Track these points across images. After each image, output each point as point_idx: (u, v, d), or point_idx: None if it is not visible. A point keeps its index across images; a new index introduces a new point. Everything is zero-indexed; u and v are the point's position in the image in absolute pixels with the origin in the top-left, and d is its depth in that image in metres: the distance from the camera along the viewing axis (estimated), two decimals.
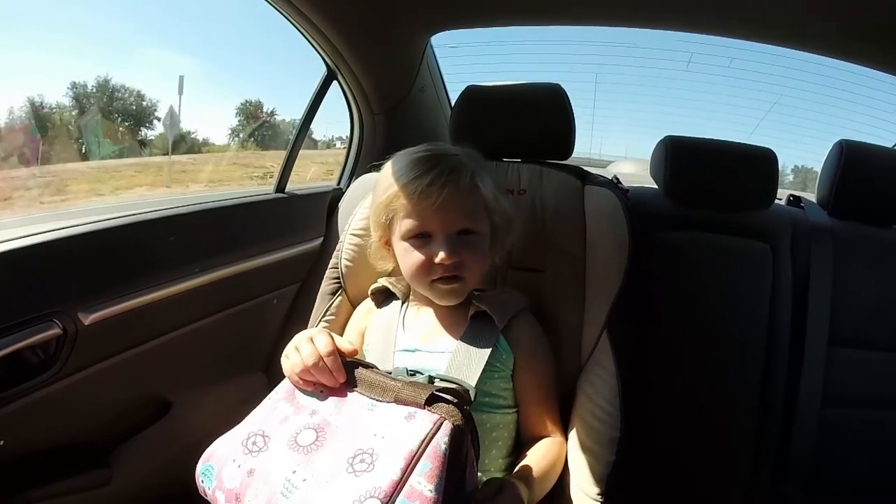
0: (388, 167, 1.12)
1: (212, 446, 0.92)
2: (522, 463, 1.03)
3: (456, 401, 0.84)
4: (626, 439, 1.07)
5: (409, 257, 1.07)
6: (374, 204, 1.14)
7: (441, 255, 1.03)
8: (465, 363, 1.03)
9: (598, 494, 1.06)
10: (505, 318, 1.09)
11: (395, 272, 1.28)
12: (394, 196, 1.07)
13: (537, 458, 1.05)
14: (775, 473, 1.51)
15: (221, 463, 0.88)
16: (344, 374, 0.91)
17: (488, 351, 1.05)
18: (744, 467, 1.53)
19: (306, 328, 1.24)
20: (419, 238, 1.06)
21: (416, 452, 0.76)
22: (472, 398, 0.92)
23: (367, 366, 0.95)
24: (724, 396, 1.54)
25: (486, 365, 1.03)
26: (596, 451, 1.08)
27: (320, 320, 1.27)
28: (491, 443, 1.06)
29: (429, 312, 1.17)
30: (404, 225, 1.07)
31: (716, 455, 1.54)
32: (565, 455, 1.10)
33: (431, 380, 0.91)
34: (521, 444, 1.10)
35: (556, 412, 1.12)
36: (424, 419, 0.80)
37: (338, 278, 1.30)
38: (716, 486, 1.55)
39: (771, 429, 1.51)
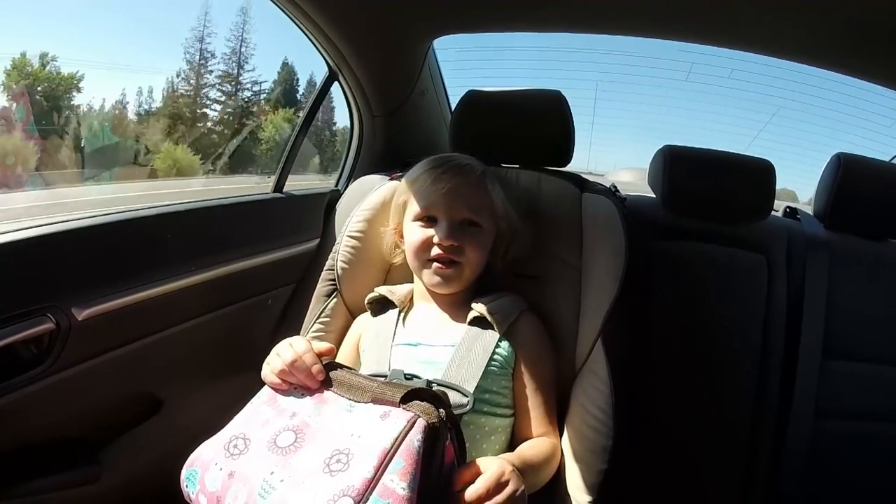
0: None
1: (196, 451, 0.92)
2: (518, 450, 1.05)
3: (432, 399, 0.84)
4: (620, 448, 1.07)
5: (413, 235, 1.18)
6: (398, 188, 1.28)
7: (440, 235, 1.12)
8: (465, 364, 1.06)
9: (590, 503, 1.05)
10: (505, 324, 1.12)
11: (394, 275, 1.30)
12: (413, 181, 1.21)
13: (530, 447, 1.07)
14: (768, 484, 1.51)
15: (204, 467, 0.88)
16: (322, 371, 0.93)
17: (489, 353, 1.08)
18: (737, 478, 1.53)
19: (300, 329, 1.25)
20: (426, 220, 1.17)
21: (390, 451, 0.76)
22: (471, 405, 0.97)
23: (348, 369, 0.96)
24: (718, 407, 1.54)
25: (488, 363, 1.06)
26: (588, 459, 1.08)
27: (315, 322, 1.27)
28: (488, 445, 1.06)
29: (429, 313, 1.20)
30: (415, 206, 1.19)
31: (709, 464, 1.54)
32: (560, 457, 1.11)
33: (429, 384, 0.91)
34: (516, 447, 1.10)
35: (553, 416, 1.13)
36: (399, 417, 0.81)
37: (333, 280, 1.30)
38: (709, 494, 1.55)
39: (764, 440, 1.51)
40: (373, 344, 1.16)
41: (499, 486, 0.84)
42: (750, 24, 1.59)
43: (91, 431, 1.36)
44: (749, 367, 1.53)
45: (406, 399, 0.83)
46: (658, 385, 1.53)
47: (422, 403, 0.82)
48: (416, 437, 0.78)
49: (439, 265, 1.13)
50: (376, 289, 1.25)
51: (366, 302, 1.25)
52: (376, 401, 0.85)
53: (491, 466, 0.86)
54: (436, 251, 1.13)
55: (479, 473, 0.85)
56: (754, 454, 1.52)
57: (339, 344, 1.25)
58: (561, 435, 1.14)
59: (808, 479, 1.49)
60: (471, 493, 0.82)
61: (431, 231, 1.14)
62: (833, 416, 1.50)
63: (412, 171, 1.24)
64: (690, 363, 1.55)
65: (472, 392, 1.00)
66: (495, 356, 1.09)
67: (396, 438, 0.77)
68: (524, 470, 0.96)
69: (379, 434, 0.79)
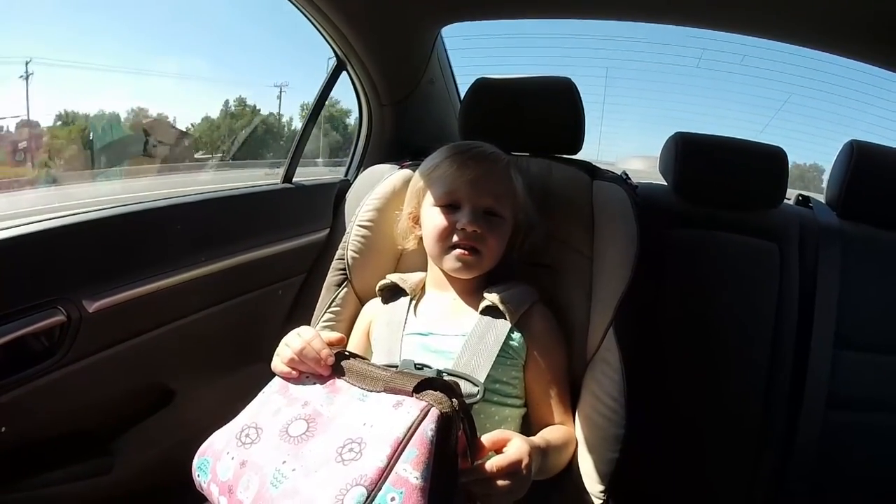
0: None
1: (207, 441, 0.93)
2: (540, 433, 1.05)
3: (445, 388, 0.84)
4: (631, 436, 1.06)
5: (434, 221, 1.16)
6: (416, 174, 1.25)
7: (464, 221, 1.11)
8: (477, 353, 1.05)
9: (601, 492, 1.05)
10: (517, 314, 1.11)
11: (404, 264, 1.30)
12: (435, 167, 1.20)
13: (549, 431, 1.07)
14: (779, 473, 1.51)
15: (216, 456, 0.89)
16: (332, 356, 0.93)
17: (500, 342, 1.07)
18: (746, 466, 1.52)
19: (311, 319, 1.25)
20: (448, 207, 1.15)
21: (403, 439, 0.76)
22: (482, 394, 0.97)
23: (359, 358, 0.96)
24: (728, 396, 1.53)
25: (498, 352, 1.06)
26: (600, 448, 1.07)
27: (325, 311, 1.27)
28: None
29: (441, 301, 1.19)
30: (437, 191, 1.17)
31: (719, 453, 1.54)
32: (576, 444, 1.11)
33: (440, 374, 0.91)
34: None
35: (567, 404, 1.13)
36: (412, 407, 0.80)
37: (344, 270, 1.30)
38: (719, 484, 1.54)
39: (775, 429, 1.51)
40: (383, 333, 1.15)
41: (511, 473, 0.84)
42: (762, 10, 1.58)
43: (102, 423, 1.37)
44: (760, 355, 1.52)
45: (419, 388, 0.82)
46: (668, 373, 1.52)
47: (435, 393, 0.82)
48: (429, 426, 0.77)
49: (462, 251, 1.12)
50: (388, 276, 1.24)
51: (377, 288, 1.24)
52: (389, 390, 0.85)
53: (514, 449, 0.87)
54: (457, 238, 1.13)
55: (501, 445, 0.87)
56: (764, 443, 1.52)
57: (349, 332, 1.25)
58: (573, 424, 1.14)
59: (818, 470, 1.49)
60: (486, 466, 0.83)
61: (453, 217, 1.13)
62: (844, 406, 1.49)
63: (433, 156, 1.23)
64: (701, 351, 1.54)
65: (482, 381, 1.00)
66: (506, 346, 1.08)
67: (409, 428, 0.77)
68: (547, 449, 0.97)
69: (392, 423, 0.78)
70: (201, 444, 0.92)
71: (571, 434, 1.10)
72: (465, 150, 1.19)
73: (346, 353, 0.96)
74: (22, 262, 1.13)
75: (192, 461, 0.91)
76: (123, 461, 1.38)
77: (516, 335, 1.10)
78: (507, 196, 1.18)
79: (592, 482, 1.06)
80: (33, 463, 1.23)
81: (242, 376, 1.59)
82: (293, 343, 0.95)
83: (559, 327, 1.18)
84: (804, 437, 1.49)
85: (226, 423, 0.93)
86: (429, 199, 1.19)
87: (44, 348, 1.16)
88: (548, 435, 1.04)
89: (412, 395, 0.82)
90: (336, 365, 0.93)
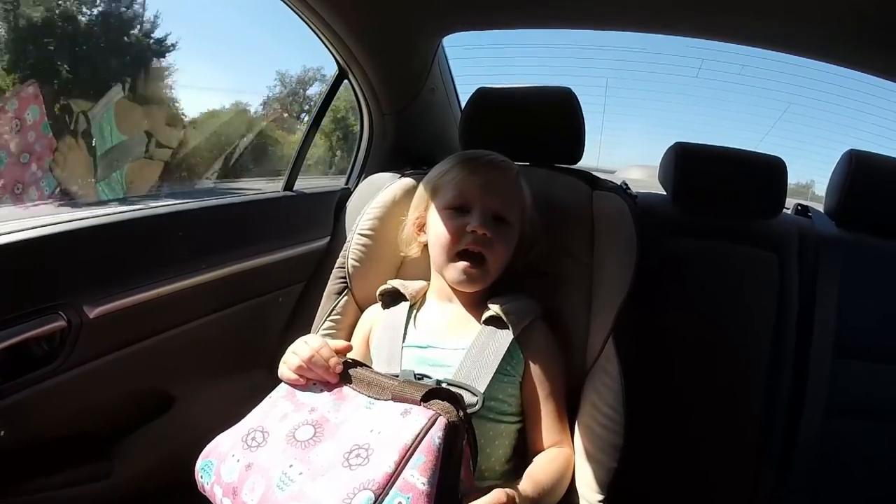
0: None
1: (212, 443, 0.93)
2: (530, 472, 1.03)
3: (451, 399, 0.85)
4: (630, 446, 1.06)
5: (442, 225, 1.16)
6: (424, 180, 1.25)
7: (474, 223, 1.10)
8: (477, 364, 1.05)
9: (600, 501, 1.05)
10: (519, 326, 1.11)
11: (405, 273, 1.30)
12: (445, 172, 1.20)
13: (545, 467, 1.05)
14: (778, 482, 1.50)
15: (221, 458, 0.89)
16: (340, 365, 0.94)
17: (501, 354, 1.07)
18: (747, 477, 1.52)
19: (311, 327, 1.25)
20: (457, 210, 1.15)
21: (411, 446, 0.77)
22: (481, 404, 0.97)
23: (365, 367, 0.97)
24: (728, 404, 1.53)
25: (497, 366, 1.05)
26: (598, 457, 1.07)
27: (325, 319, 1.28)
28: (492, 450, 1.06)
29: (441, 312, 1.19)
30: (447, 195, 1.17)
31: (719, 462, 1.53)
32: (573, 466, 1.10)
33: (439, 384, 0.92)
34: (522, 452, 1.10)
35: (564, 422, 1.12)
36: (419, 415, 0.82)
37: (344, 278, 1.30)
38: (719, 494, 1.54)
39: (775, 437, 1.51)
40: (383, 341, 1.15)
41: None
42: (761, 20, 1.58)
43: (102, 428, 1.37)
44: (760, 364, 1.52)
45: (427, 398, 0.84)
46: (668, 382, 1.52)
47: (442, 402, 0.84)
48: (436, 434, 0.79)
49: (466, 264, 1.12)
50: (389, 281, 1.24)
51: (377, 293, 1.24)
52: (396, 398, 0.87)
53: None
54: (466, 241, 1.12)
55: None
56: (764, 451, 1.52)
57: (349, 340, 1.25)
58: (572, 433, 1.14)
59: (817, 478, 1.48)
60: None
61: (463, 220, 1.13)
62: (844, 415, 1.49)
63: (442, 163, 1.23)
64: (700, 360, 1.54)
65: (482, 392, 1.00)
66: (506, 360, 1.07)
67: (417, 435, 0.78)
68: (539, 498, 0.97)
69: (399, 430, 0.80)
70: (201, 448, 0.93)
71: (567, 458, 1.09)
72: (477, 157, 1.21)
73: (352, 362, 0.97)
74: (23, 267, 1.13)
75: (192, 466, 0.92)
76: (123, 466, 1.38)
77: (516, 350, 1.10)
78: (515, 203, 1.18)
79: (591, 491, 1.06)
80: (33, 467, 1.22)
81: (242, 383, 1.60)
82: (301, 351, 0.96)
83: (558, 345, 1.18)
84: (804, 445, 1.48)
85: (226, 429, 0.94)
86: (437, 203, 1.19)
87: (44, 353, 1.16)
88: (542, 479, 1.01)
89: (420, 405, 0.84)
90: (343, 372, 0.94)
